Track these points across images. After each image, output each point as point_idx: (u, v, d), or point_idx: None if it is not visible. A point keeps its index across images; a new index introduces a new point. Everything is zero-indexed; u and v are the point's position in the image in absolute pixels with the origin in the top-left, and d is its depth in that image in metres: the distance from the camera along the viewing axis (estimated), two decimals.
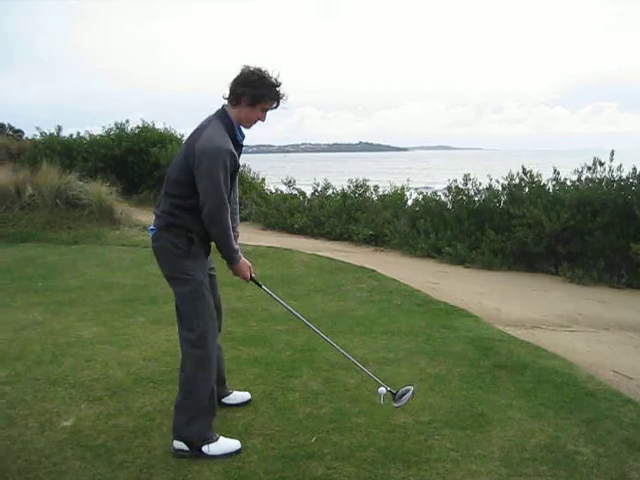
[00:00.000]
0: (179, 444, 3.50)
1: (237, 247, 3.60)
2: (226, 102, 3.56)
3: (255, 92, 3.46)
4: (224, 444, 3.53)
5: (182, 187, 3.47)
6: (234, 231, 3.65)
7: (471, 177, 10.93)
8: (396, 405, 3.81)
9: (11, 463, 3.39)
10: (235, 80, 3.49)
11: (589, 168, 9.52)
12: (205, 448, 3.48)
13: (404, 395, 3.83)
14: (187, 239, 3.51)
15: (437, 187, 11.74)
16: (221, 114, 3.54)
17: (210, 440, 3.51)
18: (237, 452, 3.50)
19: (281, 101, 3.58)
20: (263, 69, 3.49)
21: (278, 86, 3.51)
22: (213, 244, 3.61)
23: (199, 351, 3.54)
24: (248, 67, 3.49)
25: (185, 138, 3.66)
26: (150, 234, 3.61)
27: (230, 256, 3.57)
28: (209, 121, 3.51)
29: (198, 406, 3.53)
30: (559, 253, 9.05)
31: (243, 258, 3.67)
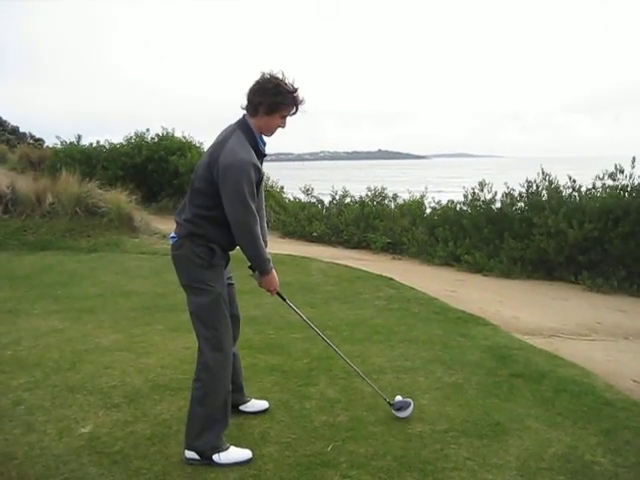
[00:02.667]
0: (191, 454, 3.52)
1: (269, 257, 3.56)
2: (245, 112, 3.53)
3: (272, 100, 3.42)
4: (234, 453, 3.54)
5: (205, 197, 3.45)
6: (263, 240, 3.57)
7: (487, 183, 10.89)
8: (398, 415, 3.84)
9: (29, 468, 3.41)
10: (252, 89, 3.46)
11: (610, 175, 9.46)
12: (216, 457, 3.49)
13: (404, 408, 3.84)
14: (209, 249, 3.49)
15: (454, 196, 11.70)
16: (242, 124, 3.49)
17: (220, 449, 3.51)
18: (248, 461, 3.50)
19: (300, 106, 3.53)
20: (279, 75, 3.44)
21: (295, 92, 3.46)
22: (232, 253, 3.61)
23: (214, 361, 3.54)
24: (264, 74, 3.45)
25: (205, 146, 3.64)
26: (170, 242, 3.60)
27: (262, 266, 3.54)
28: (231, 132, 3.46)
29: (211, 416, 3.53)
30: (579, 261, 8.99)
31: (274, 270, 3.63)
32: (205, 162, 3.45)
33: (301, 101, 3.51)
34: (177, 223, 3.57)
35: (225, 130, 3.54)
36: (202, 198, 3.47)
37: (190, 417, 3.56)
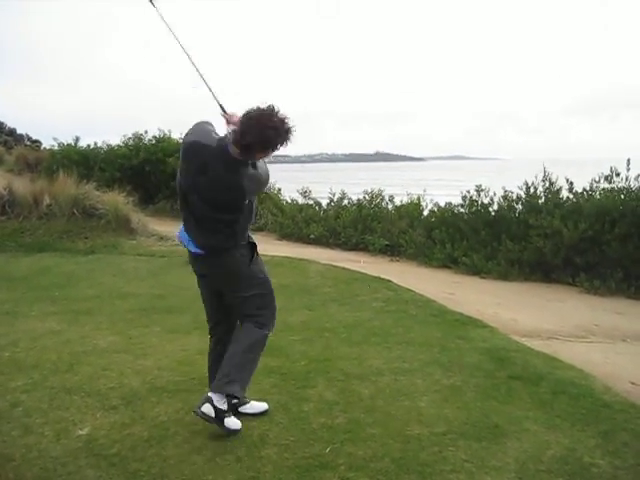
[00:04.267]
0: (208, 407, 3.69)
1: None
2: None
3: (270, 145, 3.49)
4: (233, 421, 3.82)
5: (235, 211, 3.64)
6: None
7: (484, 187, 10.89)
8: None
9: (27, 471, 3.41)
10: (246, 126, 3.41)
11: (606, 178, 9.47)
12: (225, 422, 3.76)
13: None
14: (249, 246, 3.88)
15: (452, 198, 11.70)
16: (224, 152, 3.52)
17: (239, 404, 4.02)
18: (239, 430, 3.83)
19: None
20: (277, 116, 3.42)
21: (288, 135, 3.48)
22: None
23: (265, 340, 3.97)
24: (260, 114, 3.41)
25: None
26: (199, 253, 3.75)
27: None
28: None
29: (253, 365, 3.93)
30: (576, 263, 8.99)
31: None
32: (224, 184, 3.54)
33: (290, 138, 3.51)
34: (207, 245, 3.74)
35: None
36: (231, 213, 3.69)
37: (235, 361, 3.80)
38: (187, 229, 3.75)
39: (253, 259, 3.90)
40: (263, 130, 3.37)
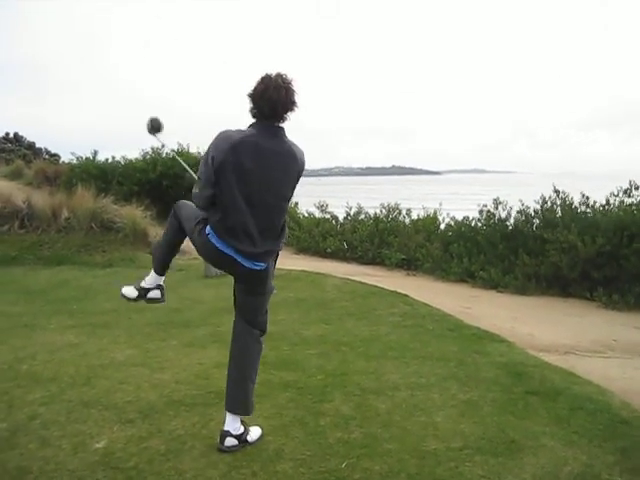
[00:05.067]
0: (232, 441, 3.77)
1: None
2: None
3: (273, 102, 3.48)
4: (255, 430, 3.95)
5: (285, 213, 3.75)
6: None
7: (502, 201, 10.88)
8: None
9: None
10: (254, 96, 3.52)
11: (625, 191, 9.44)
12: (249, 438, 3.86)
13: None
14: (276, 255, 3.87)
15: (469, 212, 11.71)
16: (285, 134, 3.60)
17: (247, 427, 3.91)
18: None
19: None
20: (280, 76, 3.52)
21: (290, 89, 3.55)
22: None
23: (263, 345, 3.99)
24: (262, 78, 3.52)
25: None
26: (256, 268, 3.64)
27: None
28: (283, 136, 3.58)
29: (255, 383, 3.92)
30: (594, 278, 8.95)
31: None
32: (282, 176, 3.57)
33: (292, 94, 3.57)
34: (266, 252, 3.66)
35: (272, 142, 3.54)
36: (285, 213, 3.73)
37: (248, 384, 3.86)
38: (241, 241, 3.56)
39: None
40: (266, 89, 3.45)
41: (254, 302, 3.88)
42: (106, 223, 13.17)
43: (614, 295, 8.49)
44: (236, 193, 3.44)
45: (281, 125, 3.56)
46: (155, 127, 4.18)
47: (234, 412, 3.83)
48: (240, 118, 3.73)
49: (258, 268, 3.63)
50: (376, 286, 9.13)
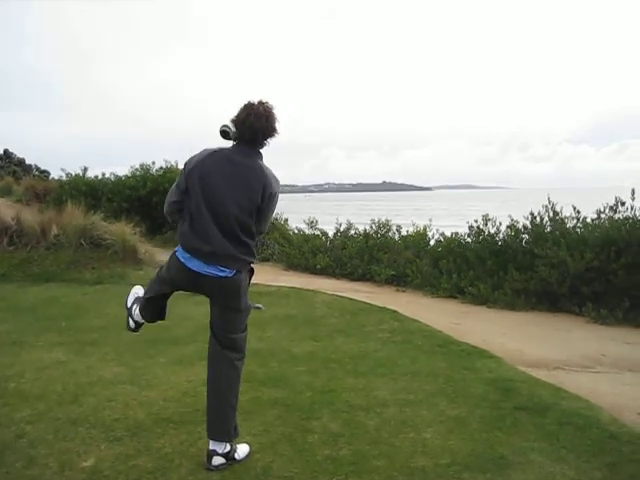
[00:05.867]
0: (219, 460, 3.81)
1: None
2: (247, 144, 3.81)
3: (253, 128, 3.75)
4: (243, 448, 3.98)
5: (251, 227, 3.82)
6: None
7: (491, 217, 10.92)
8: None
9: None
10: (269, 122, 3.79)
11: (611, 207, 9.49)
12: (236, 455, 3.89)
13: None
14: (250, 272, 3.97)
15: (459, 228, 11.76)
16: (260, 156, 3.86)
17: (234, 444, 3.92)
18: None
19: None
20: (261, 105, 3.79)
21: (269, 117, 3.81)
22: None
23: (242, 368, 3.98)
24: (246, 105, 3.80)
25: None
26: (221, 274, 3.74)
27: None
28: (256, 159, 3.82)
29: (236, 408, 3.95)
30: (583, 293, 8.97)
31: None
32: (246, 194, 3.73)
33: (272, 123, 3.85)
34: (225, 256, 3.74)
35: (236, 159, 3.78)
36: (251, 229, 3.81)
37: (227, 410, 3.89)
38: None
39: None
40: (247, 116, 3.72)
41: (228, 318, 3.91)
42: (95, 240, 13.13)
43: (603, 310, 8.51)
44: (200, 199, 3.70)
45: (259, 150, 3.85)
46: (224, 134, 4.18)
47: (215, 439, 3.86)
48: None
49: (224, 274, 3.74)
50: (365, 302, 9.15)
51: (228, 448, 3.84)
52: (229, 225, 3.71)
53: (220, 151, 3.82)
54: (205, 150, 3.83)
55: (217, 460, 3.80)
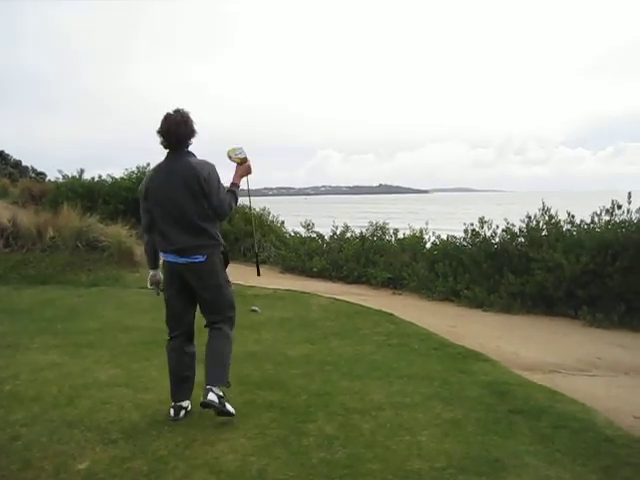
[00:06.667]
0: (213, 396, 4.35)
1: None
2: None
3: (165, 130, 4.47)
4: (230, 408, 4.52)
5: (206, 211, 4.47)
6: None
7: (487, 220, 10.92)
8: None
9: None
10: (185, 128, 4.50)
11: (607, 211, 9.49)
12: (228, 406, 4.44)
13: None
14: (223, 254, 4.68)
15: (455, 231, 11.77)
16: (189, 153, 4.57)
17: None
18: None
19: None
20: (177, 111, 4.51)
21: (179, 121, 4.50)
22: None
23: (233, 333, 4.73)
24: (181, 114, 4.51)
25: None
26: (193, 260, 4.48)
27: (235, 195, 4.69)
28: (182, 156, 4.52)
29: (229, 363, 4.62)
30: (578, 296, 8.98)
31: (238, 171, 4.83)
32: (185, 186, 4.40)
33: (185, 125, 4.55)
34: (192, 247, 4.48)
35: (169, 166, 4.54)
36: (205, 212, 4.46)
37: (223, 358, 4.57)
38: None
39: None
40: (169, 126, 4.44)
41: (213, 296, 4.63)
42: (91, 242, 13.12)
43: (598, 314, 8.52)
44: (158, 209, 4.51)
45: (187, 150, 4.55)
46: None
47: (213, 385, 4.44)
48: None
49: (197, 261, 4.48)
50: (361, 305, 9.15)
51: (222, 393, 4.41)
52: (186, 221, 4.43)
53: (158, 166, 4.59)
54: (148, 172, 4.73)
55: (212, 396, 4.34)
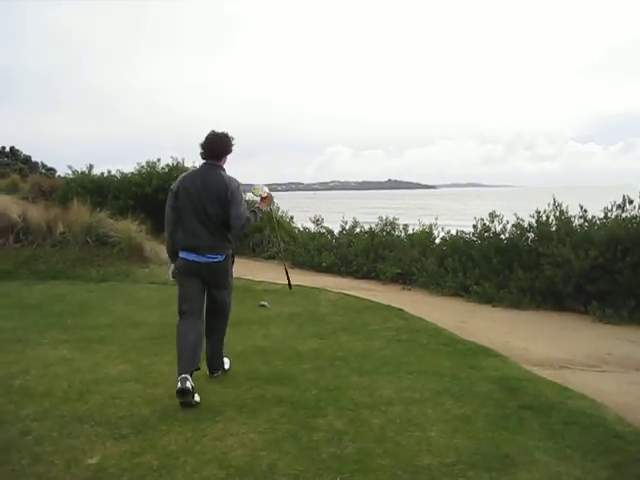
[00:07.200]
0: (218, 373, 5.56)
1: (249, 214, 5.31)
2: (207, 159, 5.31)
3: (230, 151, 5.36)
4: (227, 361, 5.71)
5: (227, 219, 5.09)
6: None
7: (497, 215, 10.89)
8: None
9: None
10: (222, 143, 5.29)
11: (619, 206, 9.45)
12: (226, 364, 5.66)
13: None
14: (232, 255, 5.36)
15: (464, 226, 11.74)
16: (222, 168, 5.30)
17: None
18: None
19: None
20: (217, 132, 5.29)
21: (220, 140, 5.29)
22: None
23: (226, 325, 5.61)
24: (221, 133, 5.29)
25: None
26: (213, 260, 5.12)
27: (255, 217, 5.32)
28: (214, 169, 5.25)
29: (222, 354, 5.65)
30: (588, 292, 8.95)
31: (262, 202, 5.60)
32: (215, 196, 5.07)
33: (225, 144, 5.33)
34: (210, 247, 5.11)
35: (203, 174, 5.25)
36: (227, 219, 5.09)
37: (217, 355, 5.56)
38: None
39: None
40: (208, 143, 5.26)
41: (219, 296, 5.36)
42: (101, 237, 13.15)
43: (608, 309, 8.49)
44: (187, 207, 5.13)
45: (220, 164, 5.28)
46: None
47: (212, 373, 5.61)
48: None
49: (216, 260, 5.14)
50: (370, 300, 9.15)
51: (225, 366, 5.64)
52: (209, 223, 5.08)
53: (194, 171, 5.39)
54: (183, 174, 5.46)
55: (217, 373, 5.54)
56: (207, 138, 5.23)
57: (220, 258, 5.13)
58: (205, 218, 5.06)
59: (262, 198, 5.56)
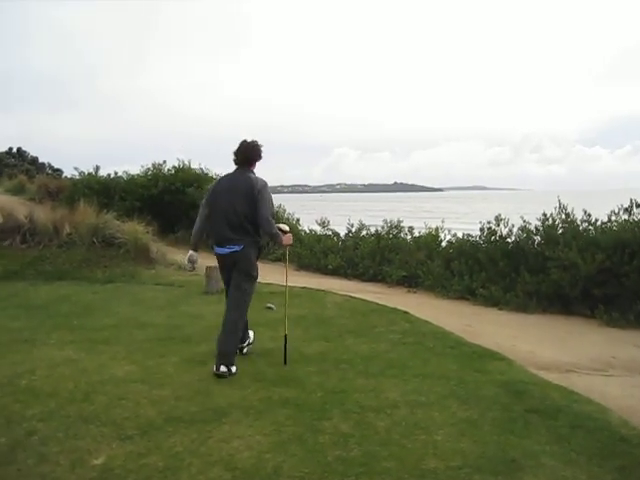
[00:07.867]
0: (224, 368, 5.55)
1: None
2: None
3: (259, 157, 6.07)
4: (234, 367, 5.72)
5: (254, 217, 5.70)
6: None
7: (503, 218, 10.88)
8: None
9: None
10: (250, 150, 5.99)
11: (626, 209, 9.43)
12: (233, 369, 5.63)
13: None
14: (258, 250, 5.98)
15: (471, 229, 11.73)
16: (248, 170, 5.95)
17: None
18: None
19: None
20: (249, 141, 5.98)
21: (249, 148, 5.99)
22: None
23: (245, 319, 6.10)
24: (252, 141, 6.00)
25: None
26: (232, 250, 5.74)
27: (277, 238, 5.89)
28: (244, 173, 5.90)
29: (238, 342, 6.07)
30: (595, 296, 8.94)
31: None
32: (243, 194, 5.70)
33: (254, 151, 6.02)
34: (232, 239, 5.74)
35: (234, 177, 5.96)
36: (253, 217, 5.69)
37: (231, 340, 5.79)
38: None
39: None
40: (240, 150, 5.96)
41: (241, 281, 5.84)
42: (108, 238, 13.18)
43: (614, 313, 8.48)
44: (218, 205, 5.83)
45: (250, 169, 5.95)
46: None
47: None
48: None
49: (235, 249, 5.72)
50: (376, 303, 9.13)
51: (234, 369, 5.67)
52: (234, 219, 5.70)
53: (227, 175, 6.04)
54: (218, 178, 6.34)
55: (223, 368, 5.56)
56: (240, 146, 5.92)
57: (237, 248, 5.71)
58: (233, 216, 5.70)
59: (284, 232, 6.02)
